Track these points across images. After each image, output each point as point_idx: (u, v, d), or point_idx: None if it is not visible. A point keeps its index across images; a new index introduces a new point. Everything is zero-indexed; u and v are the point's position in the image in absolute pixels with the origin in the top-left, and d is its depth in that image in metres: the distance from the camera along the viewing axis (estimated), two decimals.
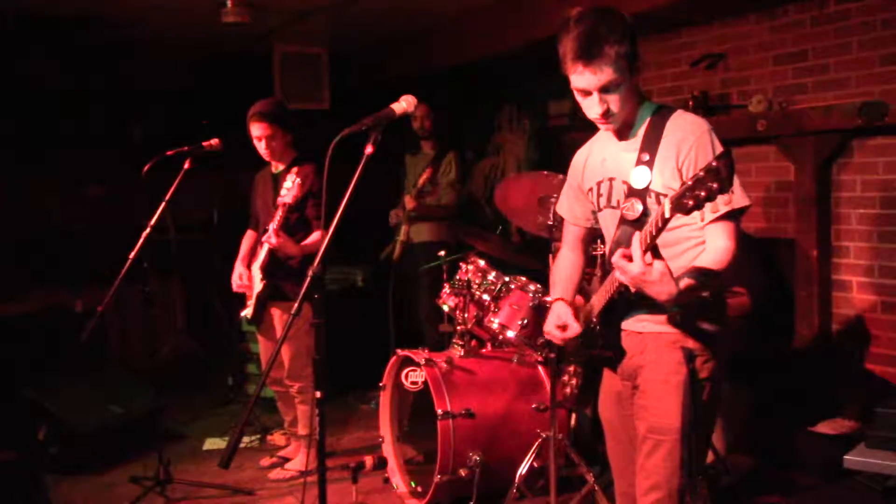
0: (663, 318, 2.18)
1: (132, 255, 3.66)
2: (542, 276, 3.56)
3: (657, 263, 1.92)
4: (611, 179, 2.28)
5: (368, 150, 2.40)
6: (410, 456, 3.89)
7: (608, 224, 2.33)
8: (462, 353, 3.76)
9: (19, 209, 6.03)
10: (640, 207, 2.11)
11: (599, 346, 2.29)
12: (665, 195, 2.11)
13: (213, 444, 4.72)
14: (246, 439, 4.66)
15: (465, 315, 3.75)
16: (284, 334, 2.54)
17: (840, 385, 3.98)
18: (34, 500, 3.57)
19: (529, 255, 4.06)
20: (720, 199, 1.90)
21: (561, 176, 3.34)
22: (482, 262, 3.84)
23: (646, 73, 4.89)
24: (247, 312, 4.09)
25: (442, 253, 4.18)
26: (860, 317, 3.91)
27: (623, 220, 2.18)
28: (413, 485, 3.78)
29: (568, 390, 2.43)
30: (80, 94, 6.11)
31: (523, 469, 3.41)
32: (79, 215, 6.28)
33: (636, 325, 2.25)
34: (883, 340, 3.82)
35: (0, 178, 5.84)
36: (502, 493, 3.43)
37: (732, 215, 2.08)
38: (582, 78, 2.11)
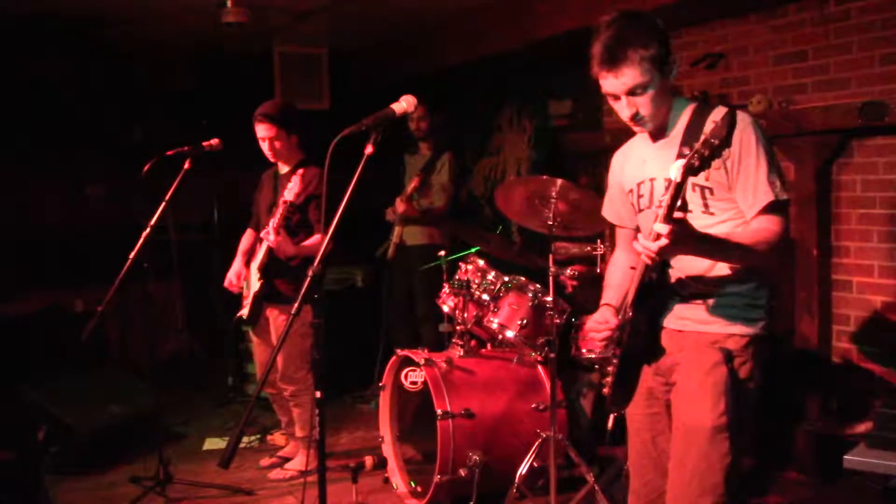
0: (704, 317, 2.20)
1: (132, 255, 3.66)
2: (542, 276, 3.56)
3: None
4: (651, 180, 2.28)
5: (368, 150, 2.41)
6: (410, 456, 3.89)
7: (647, 225, 2.31)
8: (462, 353, 3.76)
9: (19, 209, 6.03)
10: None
11: (630, 333, 2.26)
12: (710, 188, 2.14)
13: (213, 444, 4.72)
14: (246, 439, 4.66)
15: (465, 315, 3.75)
16: (284, 335, 2.53)
17: (840, 385, 3.98)
18: (34, 500, 3.57)
19: (529, 255, 4.06)
20: (761, 191, 2.05)
21: (560, 181, 3.33)
22: (482, 262, 3.84)
23: None
24: (243, 313, 4.09)
25: (442, 253, 4.18)
26: (860, 317, 3.91)
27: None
28: (413, 485, 3.78)
29: (606, 390, 2.41)
30: (81, 94, 6.11)
31: (523, 469, 3.41)
32: (79, 215, 6.28)
33: (676, 323, 2.26)
34: (883, 340, 3.82)
35: (0, 178, 5.84)
36: (502, 493, 3.43)
37: (777, 208, 2.11)
38: (607, 82, 2.15)
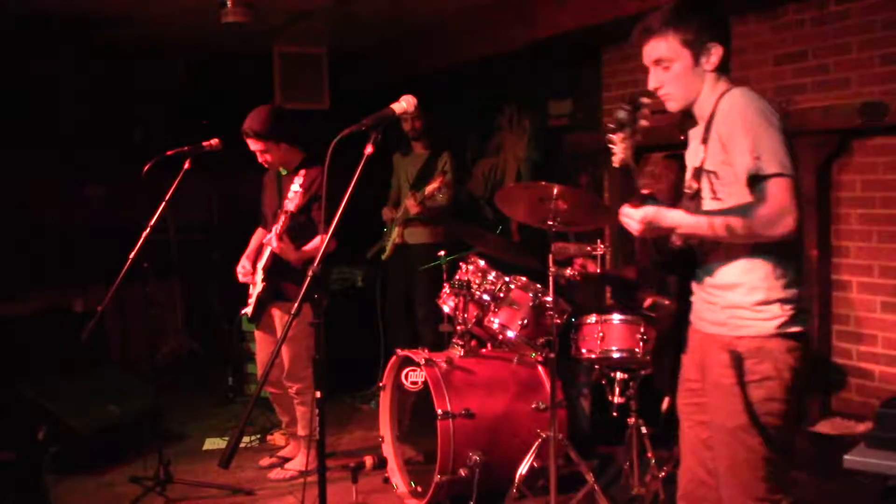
0: (716, 319, 2.23)
1: (132, 255, 3.66)
2: (542, 276, 3.55)
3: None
4: (692, 166, 2.32)
5: (368, 150, 2.41)
6: (410, 456, 3.89)
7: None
8: (462, 353, 3.76)
9: (19, 209, 6.03)
10: (694, 185, 2.17)
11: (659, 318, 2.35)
12: (714, 172, 2.16)
13: (213, 444, 4.72)
14: (246, 439, 4.66)
15: (465, 315, 3.75)
16: (283, 335, 2.54)
17: (839, 385, 3.98)
18: (34, 500, 3.58)
19: (529, 255, 4.06)
20: (743, 164, 2.01)
21: (556, 187, 3.30)
22: (482, 262, 3.84)
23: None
24: (247, 310, 4.10)
25: (442, 253, 4.18)
26: (860, 317, 3.91)
27: (685, 198, 2.26)
28: (413, 485, 3.78)
29: (656, 325, 2.47)
30: (81, 94, 6.11)
31: (523, 469, 3.40)
32: (79, 215, 6.28)
33: (698, 323, 2.32)
34: (883, 340, 3.82)
35: (0, 178, 5.84)
36: (502, 493, 3.43)
37: (764, 182, 2.00)
38: (642, 52, 2.28)
